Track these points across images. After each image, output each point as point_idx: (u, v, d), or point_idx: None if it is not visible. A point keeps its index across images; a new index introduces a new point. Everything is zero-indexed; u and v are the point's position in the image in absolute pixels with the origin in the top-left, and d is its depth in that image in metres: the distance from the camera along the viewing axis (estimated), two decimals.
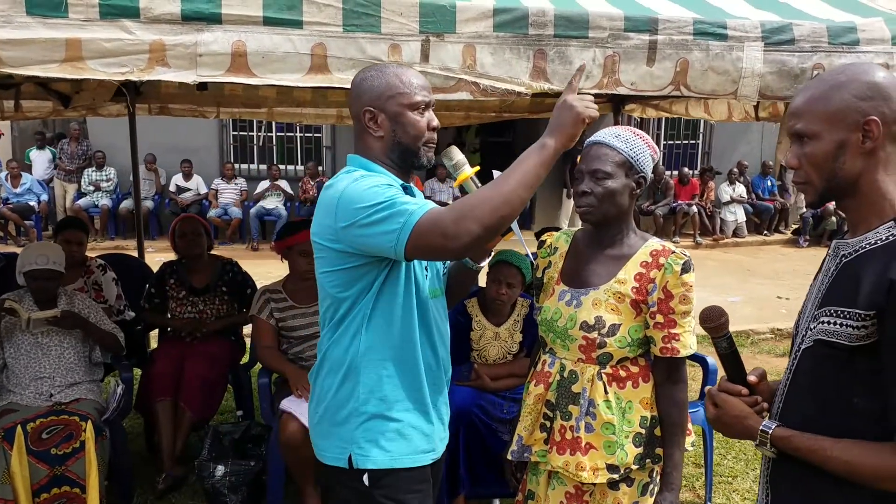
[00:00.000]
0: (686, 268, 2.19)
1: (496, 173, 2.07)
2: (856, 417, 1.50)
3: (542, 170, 1.83)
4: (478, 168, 2.06)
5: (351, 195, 1.88)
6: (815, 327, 1.58)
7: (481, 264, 2.17)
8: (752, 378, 1.74)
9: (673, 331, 2.19)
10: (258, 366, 4.17)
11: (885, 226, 1.53)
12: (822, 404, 1.56)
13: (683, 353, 2.19)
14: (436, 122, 2.06)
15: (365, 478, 2.01)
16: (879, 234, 1.53)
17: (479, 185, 2.00)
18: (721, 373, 1.79)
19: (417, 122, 2.02)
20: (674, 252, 2.23)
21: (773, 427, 1.60)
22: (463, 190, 2.03)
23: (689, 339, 2.21)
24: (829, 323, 1.53)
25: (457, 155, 2.06)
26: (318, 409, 2.11)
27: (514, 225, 1.99)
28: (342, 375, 2.03)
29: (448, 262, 2.28)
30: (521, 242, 2.13)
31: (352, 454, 2.01)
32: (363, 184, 1.89)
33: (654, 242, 2.29)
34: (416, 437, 2.05)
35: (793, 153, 1.61)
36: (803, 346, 1.62)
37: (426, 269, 2.10)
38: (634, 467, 2.24)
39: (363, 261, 1.93)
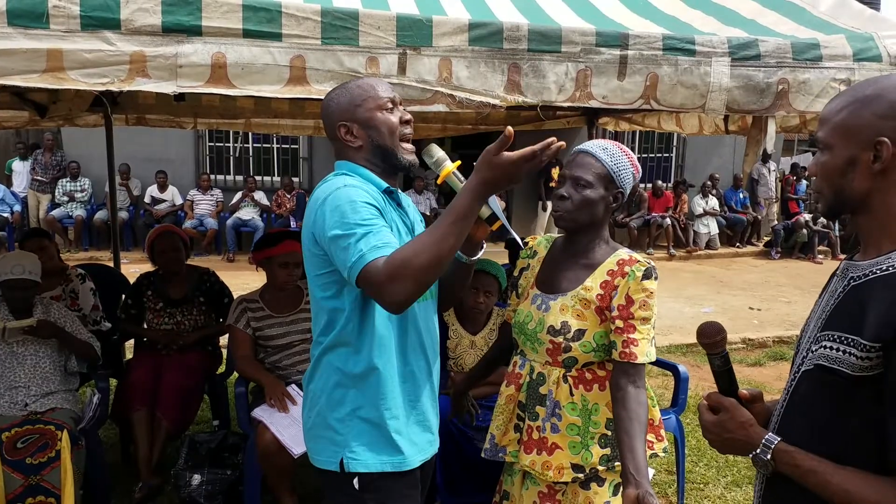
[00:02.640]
0: (647, 274, 2.23)
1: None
2: (851, 446, 1.45)
3: (471, 215, 1.85)
4: (459, 163, 2.07)
5: (331, 206, 1.93)
6: (816, 350, 1.51)
7: (474, 258, 2.17)
8: (743, 392, 1.70)
9: (632, 336, 2.21)
10: (235, 375, 4.18)
11: None
12: (818, 429, 1.50)
13: (640, 359, 2.20)
14: (408, 116, 2.12)
15: (355, 482, 2.04)
16: (892, 259, 1.44)
17: (463, 179, 2.00)
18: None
19: (388, 118, 2.08)
20: (638, 261, 2.28)
21: (778, 440, 1.53)
22: (447, 185, 2.04)
23: (647, 347, 2.22)
24: (831, 348, 1.47)
25: (437, 152, 2.07)
26: (310, 414, 2.14)
27: (500, 212, 2.01)
28: (334, 380, 2.06)
29: None
30: (507, 229, 2.13)
31: (343, 458, 2.04)
32: (344, 196, 1.93)
33: (623, 252, 2.34)
34: (405, 442, 2.08)
35: (813, 160, 1.57)
36: (803, 368, 1.55)
37: None
38: (601, 468, 2.28)
39: None
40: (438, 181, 2.07)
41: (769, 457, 1.53)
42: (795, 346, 1.68)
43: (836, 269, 1.62)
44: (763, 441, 1.54)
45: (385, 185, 2.09)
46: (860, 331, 1.41)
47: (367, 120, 2.08)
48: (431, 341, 2.19)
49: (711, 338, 1.68)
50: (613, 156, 2.30)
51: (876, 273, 1.45)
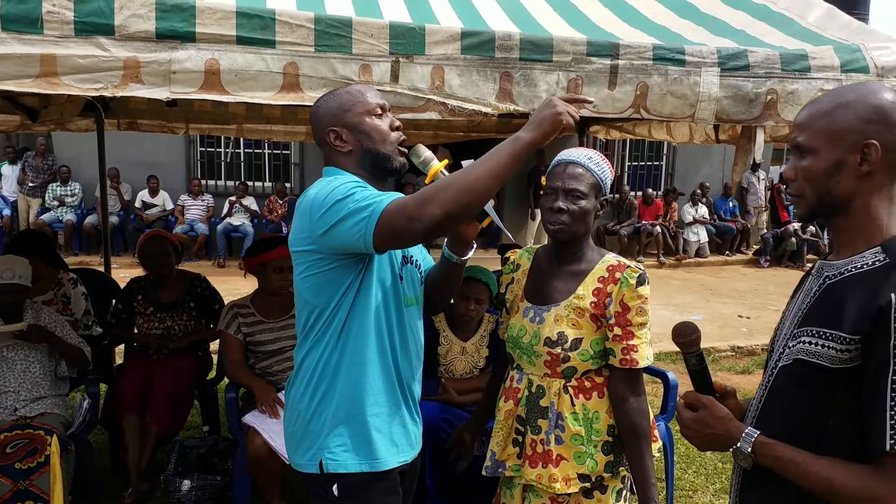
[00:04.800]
0: (641, 281, 2.27)
1: (465, 164, 2.12)
2: (829, 438, 1.49)
3: (512, 162, 1.82)
4: (447, 161, 2.08)
5: (322, 196, 1.94)
6: (794, 346, 1.56)
7: (465, 258, 2.18)
8: (718, 383, 1.76)
9: (631, 342, 2.25)
10: (225, 381, 4.18)
11: (871, 251, 1.51)
12: (797, 423, 1.55)
13: (642, 363, 2.26)
14: (397, 123, 2.13)
15: (334, 488, 2.05)
16: (866, 258, 1.51)
17: None
18: (682, 391, 1.81)
19: (378, 125, 2.09)
20: (629, 266, 2.31)
21: (758, 433, 1.57)
22: None
23: (646, 350, 2.28)
24: (810, 343, 1.52)
25: (424, 152, 2.09)
26: (291, 417, 2.15)
27: (491, 210, 2.02)
28: (315, 382, 2.07)
29: (425, 268, 2.31)
30: (500, 227, 2.15)
31: (322, 459, 2.05)
32: (333, 184, 1.95)
33: (610, 258, 2.37)
34: (384, 443, 2.10)
35: (790, 165, 1.60)
36: (780, 364, 1.60)
37: (400, 276, 2.14)
38: (606, 475, 2.31)
39: (336, 264, 1.98)
40: (427, 180, 2.05)
41: (750, 450, 1.56)
42: (769, 345, 1.73)
43: (811, 270, 1.68)
44: (743, 434, 1.58)
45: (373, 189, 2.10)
46: (839, 325, 1.47)
47: (357, 125, 2.09)
48: (416, 346, 2.21)
49: (686, 337, 1.74)
50: (599, 165, 2.33)
51: (851, 271, 1.52)
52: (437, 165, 2.05)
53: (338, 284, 2.01)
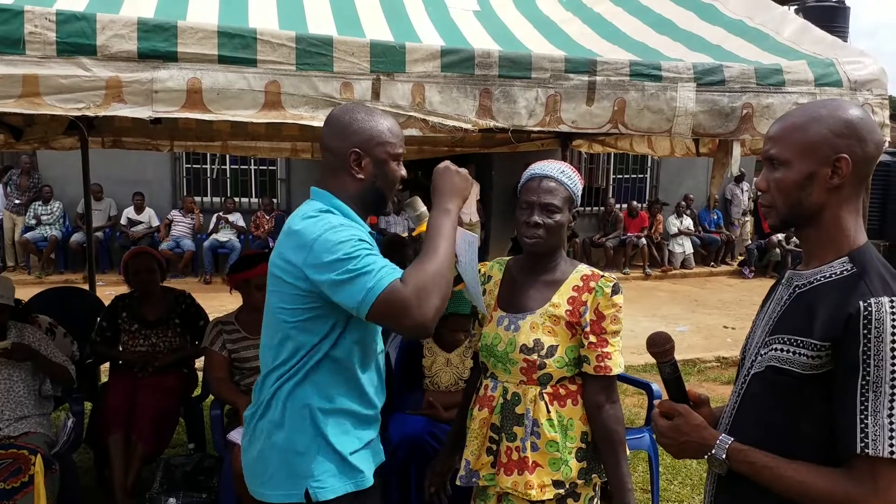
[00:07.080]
0: (615, 290, 2.33)
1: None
2: (801, 443, 1.54)
3: (455, 231, 2.04)
4: None
5: (327, 244, 1.89)
6: (766, 353, 1.61)
7: None
8: (692, 391, 1.81)
9: (605, 350, 2.30)
10: (210, 398, 4.17)
11: (839, 260, 1.57)
12: (770, 428, 1.59)
13: (615, 371, 2.31)
14: (404, 173, 2.16)
15: None
16: (834, 268, 1.57)
17: None
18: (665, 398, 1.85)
19: (396, 171, 2.13)
20: (603, 276, 2.37)
21: (731, 440, 1.62)
22: (422, 238, 2.07)
23: (619, 358, 2.33)
24: (782, 350, 1.57)
25: (420, 206, 2.16)
26: (262, 447, 2.09)
27: (468, 273, 2.10)
28: (291, 413, 2.04)
29: None
30: (475, 297, 2.22)
31: (308, 488, 2.02)
32: (341, 235, 1.91)
33: (584, 268, 2.42)
34: (363, 462, 2.12)
35: (762, 176, 1.65)
36: (753, 371, 1.65)
37: None
38: (580, 482, 2.33)
39: (325, 304, 1.96)
40: (415, 233, 2.15)
41: (724, 456, 1.61)
42: (741, 353, 1.78)
43: (780, 279, 1.75)
44: (717, 441, 1.63)
45: (366, 225, 2.11)
46: (810, 332, 1.53)
47: (383, 162, 2.09)
48: (380, 382, 2.23)
49: (661, 346, 1.79)
50: (571, 178, 2.38)
51: (821, 280, 1.59)
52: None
53: (322, 323, 1.99)
